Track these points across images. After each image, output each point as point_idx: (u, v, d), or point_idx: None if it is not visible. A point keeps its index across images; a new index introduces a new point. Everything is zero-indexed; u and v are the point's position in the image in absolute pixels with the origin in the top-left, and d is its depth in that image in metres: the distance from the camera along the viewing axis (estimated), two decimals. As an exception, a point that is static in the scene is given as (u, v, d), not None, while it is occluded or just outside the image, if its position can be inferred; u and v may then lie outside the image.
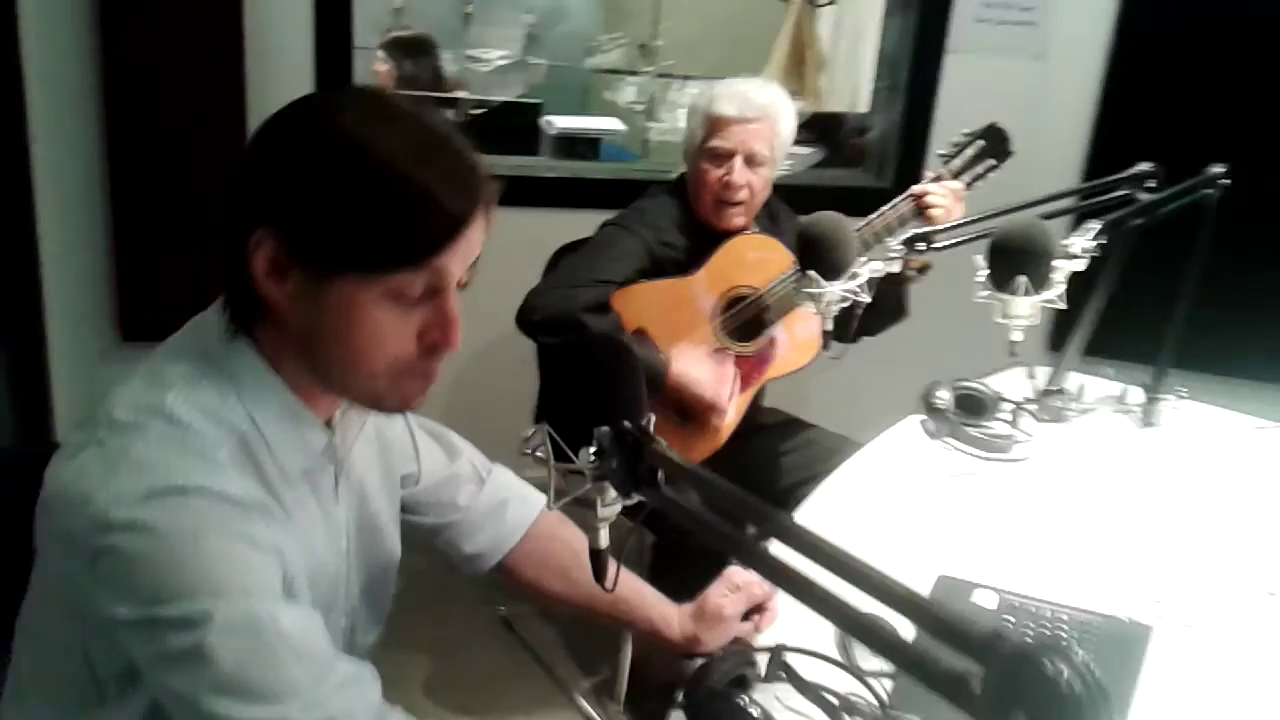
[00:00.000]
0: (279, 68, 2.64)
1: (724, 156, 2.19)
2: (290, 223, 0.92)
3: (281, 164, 0.94)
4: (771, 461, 2.32)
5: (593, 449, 0.88)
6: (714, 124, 2.20)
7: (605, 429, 0.88)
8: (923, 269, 2.16)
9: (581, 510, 0.98)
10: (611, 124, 3.61)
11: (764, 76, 4.42)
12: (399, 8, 4.37)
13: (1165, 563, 1.56)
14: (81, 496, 0.90)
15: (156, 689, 0.94)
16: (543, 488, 0.95)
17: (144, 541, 0.88)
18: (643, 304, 2.12)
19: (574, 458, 0.91)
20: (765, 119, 2.20)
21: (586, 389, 0.93)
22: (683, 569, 1.52)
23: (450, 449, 1.33)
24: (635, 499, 0.88)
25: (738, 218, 2.22)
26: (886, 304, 2.18)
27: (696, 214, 2.25)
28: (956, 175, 2.15)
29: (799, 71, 4.37)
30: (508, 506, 1.34)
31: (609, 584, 0.99)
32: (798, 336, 2.24)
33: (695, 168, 2.24)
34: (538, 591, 1.37)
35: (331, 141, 0.92)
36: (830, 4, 4.53)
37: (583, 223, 2.32)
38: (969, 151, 2.16)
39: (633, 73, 4.85)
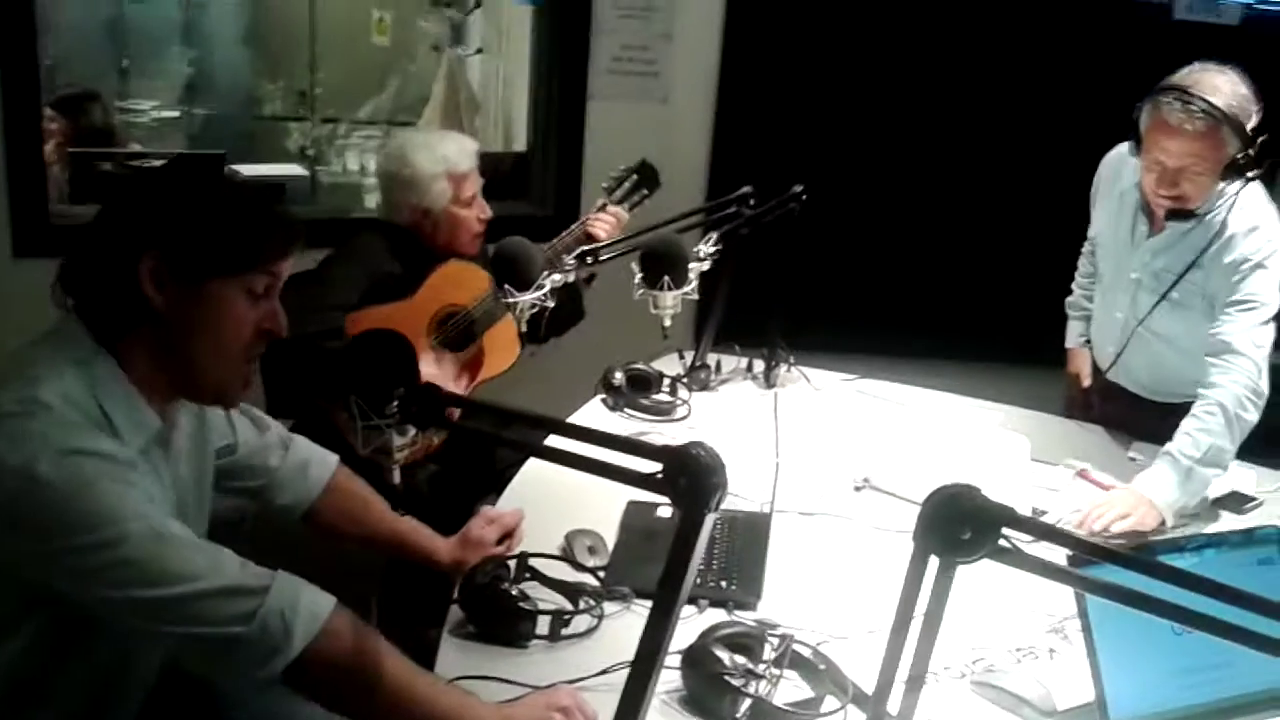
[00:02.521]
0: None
1: (472, 199, 2.60)
2: (171, 246, 1.29)
3: (160, 208, 1.32)
4: (489, 446, 2.70)
5: (395, 404, 1.27)
6: (460, 179, 2.59)
7: (404, 389, 1.27)
8: (590, 279, 2.66)
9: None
10: (293, 169, 3.88)
11: (424, 120, 4.86)
12: (51, 65, 4.36)
13: (785, 471, 2.12)
14: None
15: (89, 600, 1.22)
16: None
17: (56, 491, 1.18)
18: (370, 325, 2.45)
19: (377, 417, 1.30)
20: (477, 160, 2.64)
21: (384, 367, 1.31)
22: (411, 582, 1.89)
23: (259, 422, 1.65)
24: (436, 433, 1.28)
25: (482, 240, 2.64)
26: (568, 310, 2.68)
27: (436, 248, 2.60)
28: (619, 203, 2.66)
29: (456, 115, 4.80)
30: (310, 466, 1.68)
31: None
32: (499, 345, 2.64)
33: (451, 215, 2.59)
34: (337, 534, 1.71)
35: (194, 191, 1.33)
36: (479, 53, 5.01)
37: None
38: (627, 184, 2.68)
39: (297, 119, 5.08)
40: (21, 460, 1.18)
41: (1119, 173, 2.41)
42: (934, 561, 0.97)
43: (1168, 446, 2.08)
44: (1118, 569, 1.03)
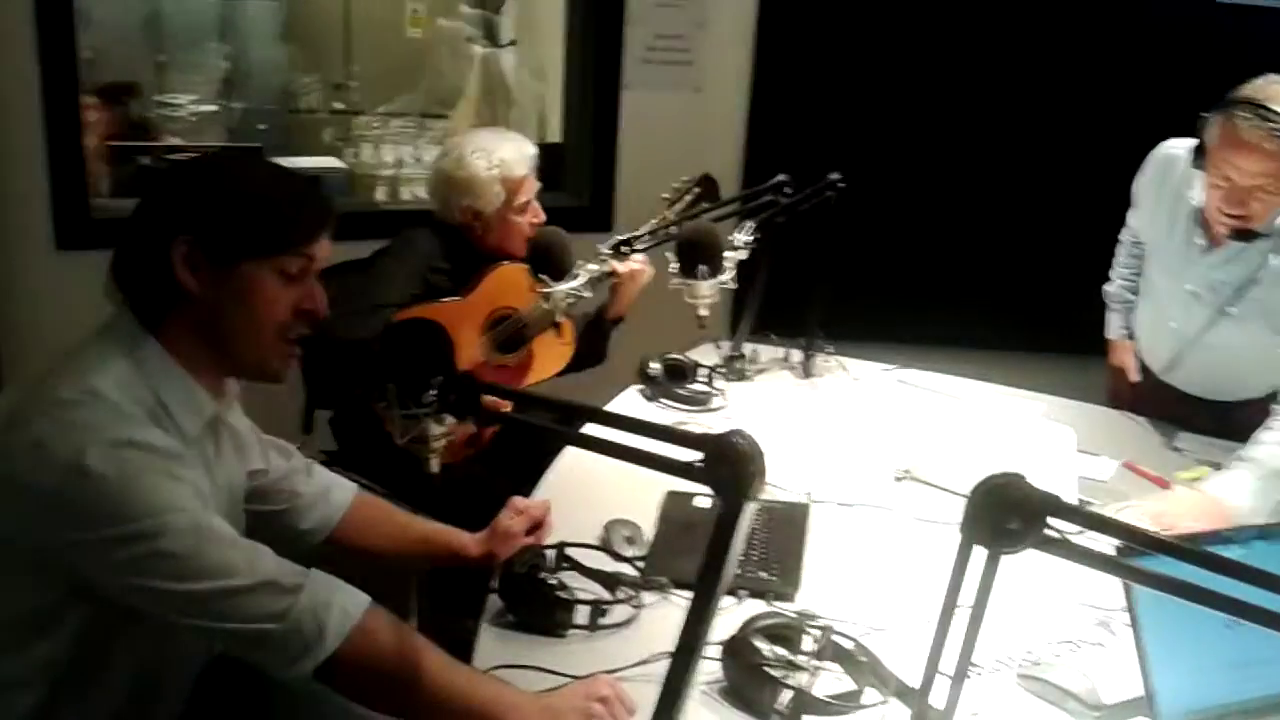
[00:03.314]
0: (7, 119, 2.79)
1: (526, 204, 2.58)
2: (204, 230, 1.30)
3: (193, 194, 1.33)
4: (534, 435, 2.69)
5: (433, 392, 1.27)
6: (515, 184, 2.56)
7: (442, 377, 1.26)
8: (617, 322, 2.66)
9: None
10: (330, 162, 3.90)
11: (458, 113, 4.86)
12: (90, 59, 4.40)
13: (824, 461, 2.11)
14: (40, 454, 1.20)
15: (126, 591, 1.23)
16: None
17: (99, 482, 1.19)
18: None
19: (414, 405, 1.29)
20: (535, 164, 2.62)
21: (420, 355, 1.31)
22: (455, 577, 1.88)
23: (285, 451, 1.66)
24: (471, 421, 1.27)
25: None
26: (590, 351, 2.69)
27: (485, 249, 2.58)
28: (680, 214, 2.61)
29: (490, 108, 4.80)
30: (331, 490, 1.68)
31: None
32: (548, 350, 2.62)
33: (503, 220, 2.56)
34: (363, 550, 1.70)
35: (227, 177, 1.34)
36: (512, 44, 5.01)
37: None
38: (688, 197, 2.63)
39: (333, 112, 5.10)
40: (71, 450, 1.20)
41: (1166, 174, 2.32)
42: (979, 552, 0.95)
43: (1245, 453, 2.00)
44: (1167, 560, 1.01)
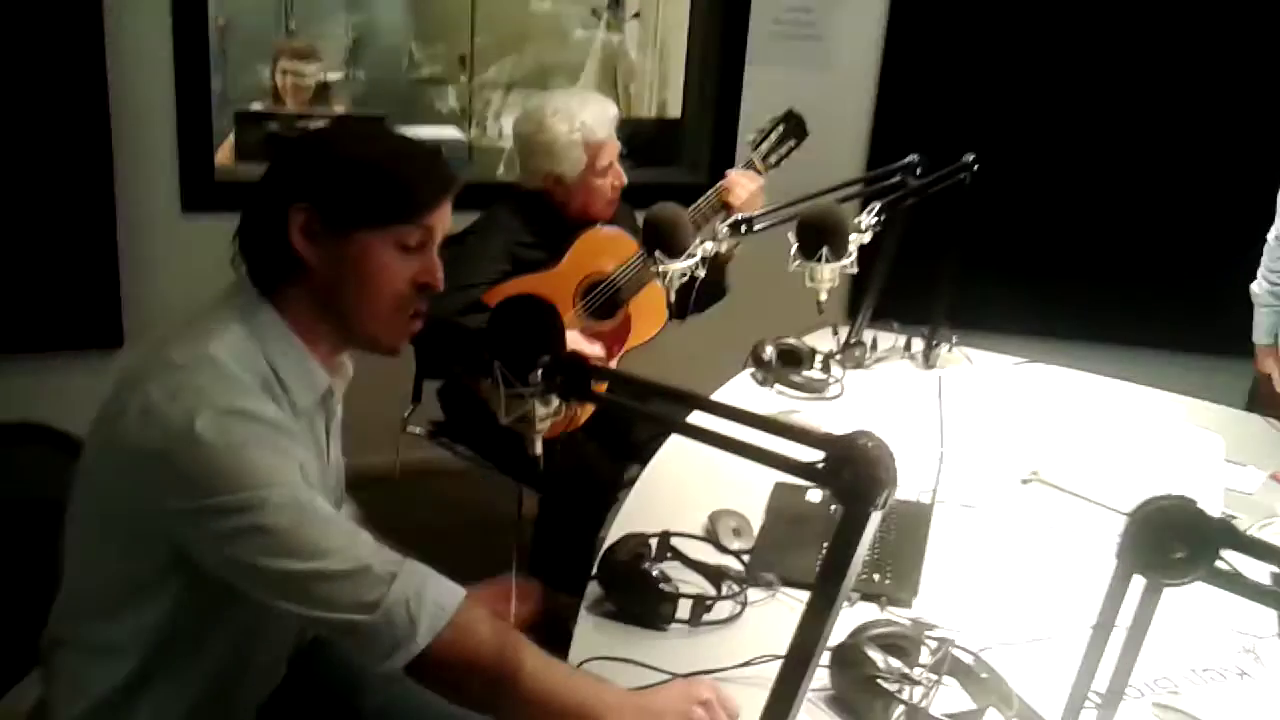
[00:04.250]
0: (139, 84, 2.84)
1: (608, 167, 2.53)
2: (321, 198, 1.27)
3: (313, 162, 1.31)
4: (633, 415, 2.64)
5: (539, 371, 1.21)
6: (597, 148, 2.51)
7: (548, 356, 1.21)
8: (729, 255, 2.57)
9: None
10: (451, 132, 3.90)
11: (580, 85, 4.82)
12: (222, 26, 4.50)
13: (947, 461, 2.00)
14: (149, 417, 1.18)
15: (219, 564, 1.21)
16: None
17: (205, 449, 1.17)
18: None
19: (520, 385, 1.24)
20: (615, 128, 2.57)
21: (529, 333, 1.25)
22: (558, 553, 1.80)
23: None
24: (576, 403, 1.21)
25: (616, 206, 2.59)
26: (711, 286, 2.58)
27: (567, 215, 2.55)
28: (765, 158, 2.54)
29: (612, 80, 4.76)
30: None
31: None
32: (646, 311, 2.58)
33: (585, 184, 2.52)
34: None
35: (347, 145, 1.32)
36: (635, 17, 4.94)
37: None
38: (773, 135, 2.55)
39: (456, 82, 5.12)
40: (180, 415, 1.18)
41: None
42: (1138, 580, 0.85)
43: None
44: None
